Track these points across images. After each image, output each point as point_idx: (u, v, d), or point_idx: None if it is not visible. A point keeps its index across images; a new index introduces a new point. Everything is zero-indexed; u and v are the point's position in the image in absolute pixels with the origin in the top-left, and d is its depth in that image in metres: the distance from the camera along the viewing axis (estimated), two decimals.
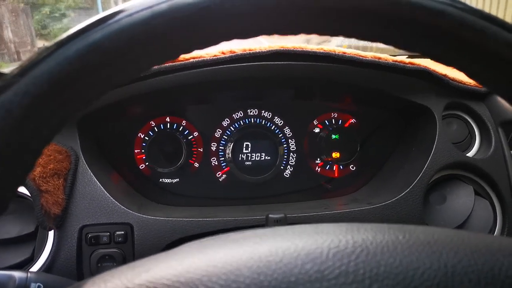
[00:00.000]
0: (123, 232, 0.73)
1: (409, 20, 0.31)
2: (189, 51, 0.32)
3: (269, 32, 0.33)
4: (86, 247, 0.72)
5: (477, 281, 0.29)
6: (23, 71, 0.28)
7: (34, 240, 0.72)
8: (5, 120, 0.27)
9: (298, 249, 0.30)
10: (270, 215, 0.69)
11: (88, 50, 0.28)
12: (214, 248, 0.32)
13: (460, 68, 0.35)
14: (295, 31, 0.33)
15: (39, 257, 0.70)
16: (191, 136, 0.93)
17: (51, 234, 0.71)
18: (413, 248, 0.31)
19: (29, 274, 0.47)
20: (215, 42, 0.32)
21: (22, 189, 0.71)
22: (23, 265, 0.71)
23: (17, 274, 0.46)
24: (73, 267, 0.71)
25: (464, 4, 0.31)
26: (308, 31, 0.33)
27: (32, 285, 0.46)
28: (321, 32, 0.32)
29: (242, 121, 0.95)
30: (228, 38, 0.32)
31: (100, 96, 0.32)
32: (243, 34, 0.32)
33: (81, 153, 0.76)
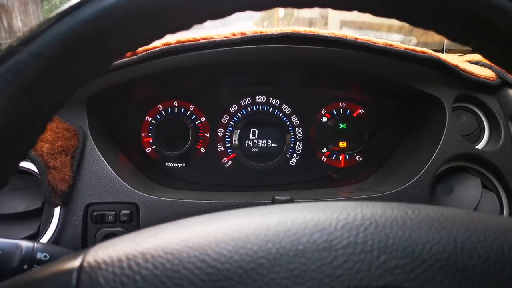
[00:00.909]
0: (128, 212, 0.73)
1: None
2: (202, 21, 0.32)
3: (282, 4, 0.33)
4: (92, 225, 0.73)
5: (486, 257, 0.29)
6: (37, 33, 0.28)
7: (40, 216, 0.73)
8: (18, 81, 0.27)
9: (307, 220, 0.30)
10: (276, 197, 0.69)
11: (102, 14, 0.28)
12: (223, 218, 0.32)
13: (477, 49, 0.34)
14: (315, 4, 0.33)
15: (45, 233, 0.70)
16: (198, 121, 0.93)
17: (57, 210, 0.71)
18: (422, 223, 0.31)
19: (35, 244, 0.47)
20: (230, 12, 0.32)
21: (30, 166, 0.71)
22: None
23: (24, 243, 0.46)
24: (78, 244, 0.71)
25: None
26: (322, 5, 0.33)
27: (39, 254, 0.46)
28: (329, 6, 0.32)
29: (250, 108, 0.94)
30: (242, 9, 0.32)
31: (110, 64, 0.32)
32: (257, 6, 0.32)
33: (89, 132, 0.76)
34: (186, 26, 0.32)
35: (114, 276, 0.27)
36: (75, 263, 0.29)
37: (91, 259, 0.29)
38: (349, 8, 0.33)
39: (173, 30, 0.32)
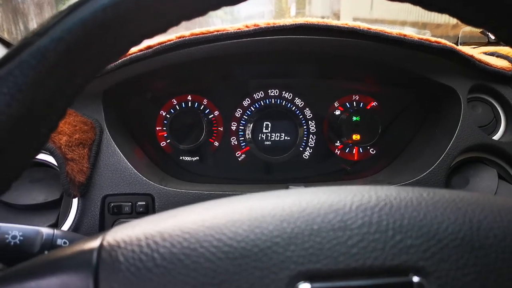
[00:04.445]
0: (144, 203, 0.74)
1: None
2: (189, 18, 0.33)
3: None
4: (109, 216, 0.74)
5: (502, 237, 0.29)
6: (59, 19, 0.29)
7: (59, 207, 0.74)
8: (40, 65, 0.28)
9: (321, 201, 0.31)
10: (290, 186, 0.69)
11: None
12: (240, 200, 0.32)
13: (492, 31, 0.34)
14: None
15: (64, 223, 0.72)
16: (212, 115, 0.94)
17: (75, 201, 0.73)
18: (437, 204, 0.31)
19: (55, 231, 0.49)
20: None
21: (49, 158, 0.73)
22: None
23: (45, 230, 0.48)
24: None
25: None
26: None
27: (59, 240, 0.48)
28: None
29: (263, 101, 0.95)
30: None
31: (128, 50, 0.33)
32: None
33: (105, 125, 0.77)
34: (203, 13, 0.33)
35: (133, 254, 0.28)
36: (95, 243, 0.29)
37: (111, 239, 0.29)
38: None
39: (189, 17, 0.33)
